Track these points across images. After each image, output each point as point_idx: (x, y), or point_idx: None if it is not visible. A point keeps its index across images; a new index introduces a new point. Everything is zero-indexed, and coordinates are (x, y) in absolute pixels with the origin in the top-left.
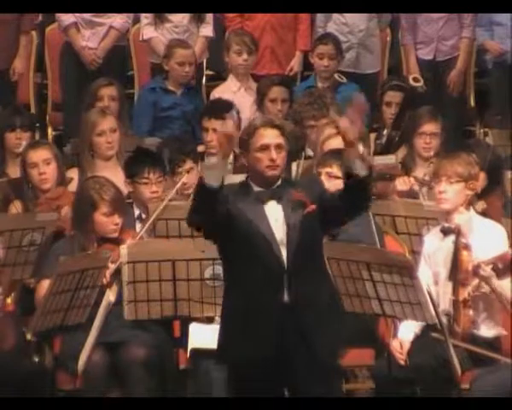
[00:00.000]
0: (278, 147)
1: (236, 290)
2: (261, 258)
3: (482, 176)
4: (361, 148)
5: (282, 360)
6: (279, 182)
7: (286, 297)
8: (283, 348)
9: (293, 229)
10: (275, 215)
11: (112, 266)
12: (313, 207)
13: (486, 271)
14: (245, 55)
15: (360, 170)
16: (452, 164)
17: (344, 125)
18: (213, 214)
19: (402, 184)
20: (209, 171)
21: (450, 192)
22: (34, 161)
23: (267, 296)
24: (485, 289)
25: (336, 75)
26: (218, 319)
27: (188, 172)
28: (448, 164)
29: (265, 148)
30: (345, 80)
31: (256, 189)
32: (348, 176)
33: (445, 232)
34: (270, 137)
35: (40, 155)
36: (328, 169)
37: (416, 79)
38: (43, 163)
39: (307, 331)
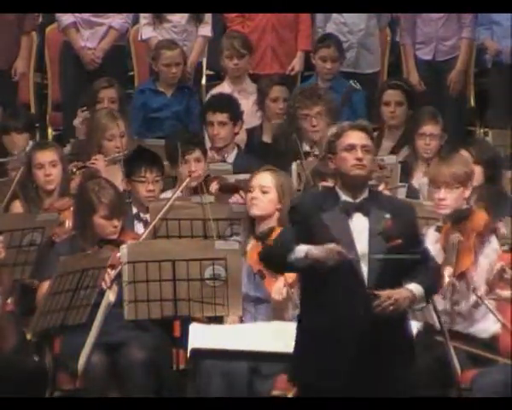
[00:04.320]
0: (365, 148)
1: (315, 305)
2: (341, 272)
3: (478, 170)
4: None
5: (356, 378)
6: (366, 194)
7: (365, 315)
8: (359, 366)
9: (377, 246)
10: (359, 229)
11: (112, 273)
12: (399, 242)
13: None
14: (235, 60)
15: None
16: (450, 169)
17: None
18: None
19: None
20: None
21: (450, 199)
22: (40, 162)
23: (346, 313)
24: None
25: (352, 82)
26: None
27: (190, 175)
28: (446, 170)
29: (352, 148)
30: (359, 87)
31: (343, 198)
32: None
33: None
34: (357, 137)
35: (47, 156)
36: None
37: None
38: (50, 165)
39: (381, 355)
